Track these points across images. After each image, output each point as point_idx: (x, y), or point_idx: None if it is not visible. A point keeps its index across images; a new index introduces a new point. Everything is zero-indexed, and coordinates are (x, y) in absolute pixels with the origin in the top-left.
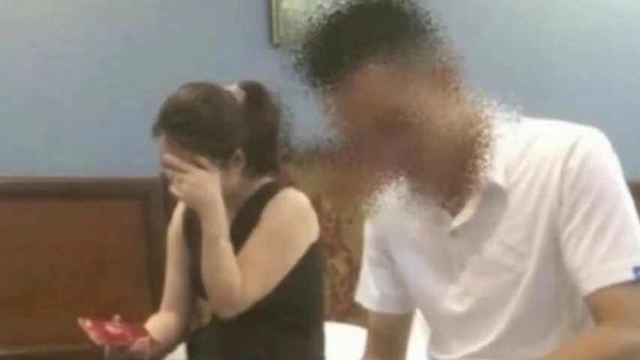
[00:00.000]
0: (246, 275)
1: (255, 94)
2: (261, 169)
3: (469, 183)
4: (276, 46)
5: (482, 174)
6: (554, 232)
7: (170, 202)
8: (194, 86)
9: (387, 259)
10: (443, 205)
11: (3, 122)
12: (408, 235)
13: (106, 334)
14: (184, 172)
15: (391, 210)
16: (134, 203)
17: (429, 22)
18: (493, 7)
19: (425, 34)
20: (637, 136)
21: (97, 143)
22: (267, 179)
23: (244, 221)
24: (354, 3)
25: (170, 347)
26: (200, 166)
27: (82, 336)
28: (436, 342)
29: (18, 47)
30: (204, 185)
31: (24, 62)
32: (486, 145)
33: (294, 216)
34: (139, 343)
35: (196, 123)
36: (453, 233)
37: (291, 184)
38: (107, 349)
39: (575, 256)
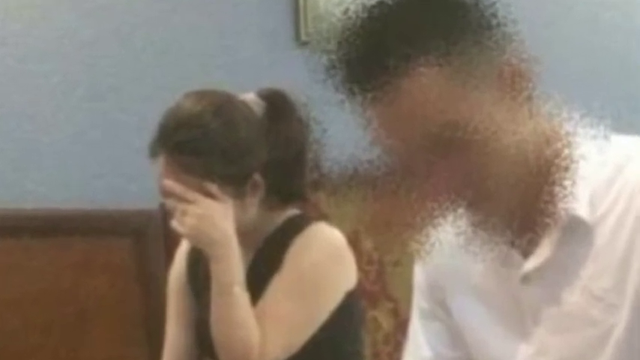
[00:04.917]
0: (266, 331)
1: (278, 104)
2: (285, 199)
3: (545, 216)
4: (304, 44)
5: (561, 205)
6: None
7: (171, 240)
8: (201, 95)
9: (442, 311)
10: (512, 244)
11: None
12: (468, 280)
13: None
14: (189, 202)
15: (447, 250)
16: (126, 241)
17: (494, 15)
18: None
19: (490, 30)
20: None
21: (79, 166)
22: (292, 211)
23: (264, 264)
24: None
25: None
26: (209, 194)
27: None
28: None
29: None
30: (214, 219)
31: None
32: (566, 169)
33: (326, 257)
34: None
35: (204, 141)
36: (525, 279)
37: (323, 217)
38: None
39: None
